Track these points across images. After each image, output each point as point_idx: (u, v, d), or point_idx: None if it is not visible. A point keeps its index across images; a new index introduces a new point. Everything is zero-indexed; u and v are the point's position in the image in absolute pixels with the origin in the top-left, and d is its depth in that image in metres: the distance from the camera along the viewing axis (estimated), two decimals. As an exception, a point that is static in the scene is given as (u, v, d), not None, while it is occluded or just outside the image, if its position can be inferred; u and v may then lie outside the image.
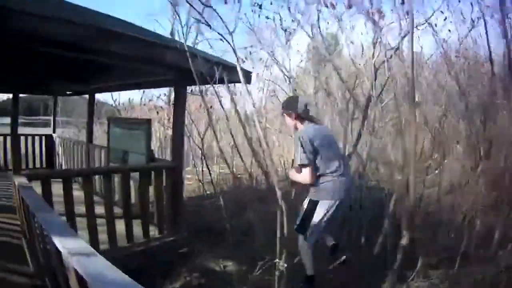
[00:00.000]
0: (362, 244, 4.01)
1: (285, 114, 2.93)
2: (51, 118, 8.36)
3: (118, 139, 5.18)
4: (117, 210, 3.55)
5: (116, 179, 3.76)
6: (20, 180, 2.67)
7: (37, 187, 2.68)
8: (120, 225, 3.39)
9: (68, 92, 8.59)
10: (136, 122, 5.20)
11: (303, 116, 2.84)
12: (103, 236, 3.24)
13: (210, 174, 7.02)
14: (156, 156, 6.29)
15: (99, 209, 3.29)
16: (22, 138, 7.77)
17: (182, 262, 3.70)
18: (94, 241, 3.07)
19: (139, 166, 4.21)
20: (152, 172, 3.83)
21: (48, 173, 3.41)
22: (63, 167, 7.57)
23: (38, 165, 8.05)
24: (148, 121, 4.76)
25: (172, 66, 3.68)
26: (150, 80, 5.23)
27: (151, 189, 3.80)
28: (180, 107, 4.26)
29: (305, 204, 2.82)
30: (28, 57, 5.18)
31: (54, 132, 8.42)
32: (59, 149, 7.92)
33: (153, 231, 3.75)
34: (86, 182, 3.28)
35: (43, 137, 8.27)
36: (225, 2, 3.70)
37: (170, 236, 3.88)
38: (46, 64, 5.48)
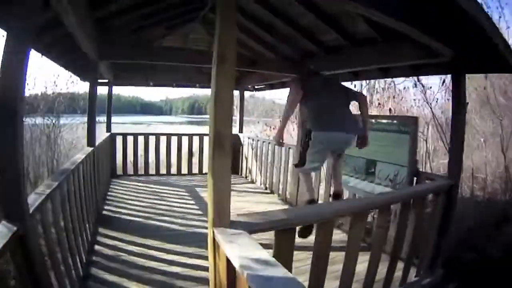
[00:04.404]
0: None
1: None
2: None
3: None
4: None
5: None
6: (242, 253, 1.42)
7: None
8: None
9: (257, 86, 7.98)
10: (392, 122, 3.92)
11: None
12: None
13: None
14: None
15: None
16: (195, 138, 7.66)
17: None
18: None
19: (417, 189, 3.24)
20: (430, 196, 3.10)
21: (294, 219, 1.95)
22: (254, 175, 7.13)
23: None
24: (415, 120, 3.64)
25: (459, 40, 2.78)
26: (406, 65, 3.95)
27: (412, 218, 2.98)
28: (460, 103, 3.21)
29: None
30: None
31: (241, 131, 7.88)
32: (248, 152, 7.41)
33: (412, 272, 3.08)
34: (355, 222, 2.34)
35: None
36: None
37: (426, 277, 3.12)
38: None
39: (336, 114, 3.16)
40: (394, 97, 8.33)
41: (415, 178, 3.52)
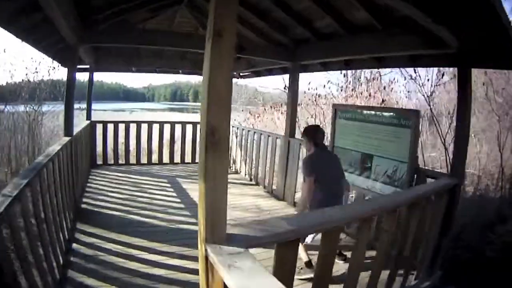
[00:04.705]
0: None
1: None
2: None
3: (353, 135, 3.93)
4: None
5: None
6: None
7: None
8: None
9: (243, 74, 7.69)
10: (391, 115, 3.63)
11: None
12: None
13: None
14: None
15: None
16: (177, 126, 7.46)
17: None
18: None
19: (423, 189, 2.88)
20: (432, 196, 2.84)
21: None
22: (238, 165, 6.97)
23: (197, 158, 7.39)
24: (417, 114, 3.46)
25: (469, 31, 2.61)
26: (404, 55, 3.80)
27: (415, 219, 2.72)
28: (467, 98, 2.95)
29: None
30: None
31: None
32: (232, 141, 7.19)
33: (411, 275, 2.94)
34: (363, 226, 2.10)
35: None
36: None
37: (425, 280, 2.95)
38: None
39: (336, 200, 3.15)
40: (384, 88, 8.20)
41: (414, 175, 3.34)
